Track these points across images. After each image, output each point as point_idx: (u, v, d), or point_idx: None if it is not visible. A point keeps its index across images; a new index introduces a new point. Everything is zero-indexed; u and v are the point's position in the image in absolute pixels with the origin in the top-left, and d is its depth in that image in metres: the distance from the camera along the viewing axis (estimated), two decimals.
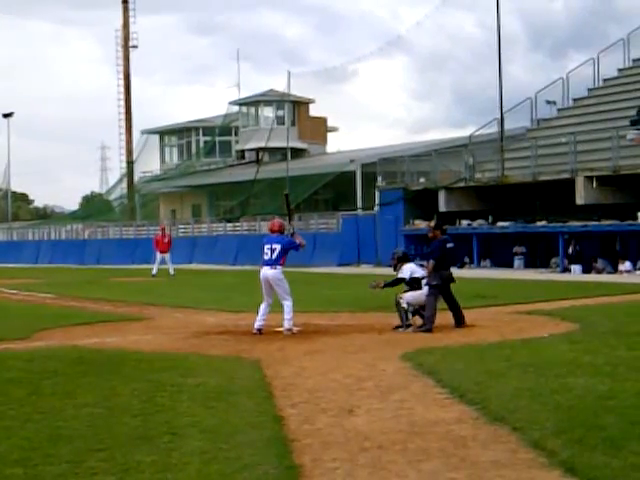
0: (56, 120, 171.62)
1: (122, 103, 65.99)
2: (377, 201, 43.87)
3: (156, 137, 70.63)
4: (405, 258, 16.31)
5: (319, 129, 62.76)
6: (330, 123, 65.46)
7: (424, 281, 15.66)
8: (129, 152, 66.18)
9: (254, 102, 61.95)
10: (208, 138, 66.33)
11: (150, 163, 70.29)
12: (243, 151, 63.71)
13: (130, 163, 66.02)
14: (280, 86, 58.34)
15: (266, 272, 15.17)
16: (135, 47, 65.68)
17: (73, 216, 76.64)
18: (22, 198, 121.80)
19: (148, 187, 68.52)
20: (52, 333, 15.63)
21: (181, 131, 68.43)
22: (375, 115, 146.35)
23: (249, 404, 8.78)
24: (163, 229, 40.74)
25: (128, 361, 11.87)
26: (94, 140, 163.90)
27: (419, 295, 15.61)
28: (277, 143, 56.90)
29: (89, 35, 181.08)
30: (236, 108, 64.07)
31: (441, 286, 15.57)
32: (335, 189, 52.11)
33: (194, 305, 20.95)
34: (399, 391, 9.48)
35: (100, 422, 7.92)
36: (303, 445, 7.12)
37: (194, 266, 47.60)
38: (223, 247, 49.71)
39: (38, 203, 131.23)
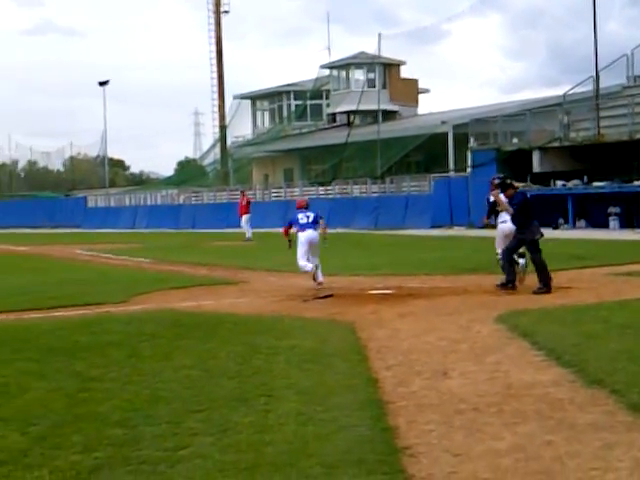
0: (151, 87, 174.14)
1: (214, 69, 66.34)
2: (469, 162, 43.45)
3: (248, 102, 70.98)
4: (503, 185, 16.16)
5: (410, 91, 62.33)
6: (421, 84, 65.05)
7: (501, 220, 16.16)
8: (222, 117, 66.61)
9: (345, 65, 61.76)
10: (299, 102, 66.40)
11: (242, 128, 70.76)
12: (334, 114, 63.65)
13: (223, 128, 66.47)
14: (371, 48, 58.09)
15: (310, 234, 17.18)
16: (227, 12, 65.93)
17: (168, 181, 77.53)
18: (118, 164, 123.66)
19: (240, 152, 68.95)
20: (150, 297, 15.91)
21: (272, 95, 68.60)
22: (467, 75, 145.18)
23: (344, 366, 8.83)
24: (242, 193, 41.35)
25: (224, 324, 12.03)
26: (188, 106, 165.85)
27: (498, 235, 16.27)
28: (368, 106, 56.68)
29: (182, 1, 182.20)
30: (327, 71, 63.98)
31: (536, 240, 15.38)
32: (427, 151, 51.71)
33: (288, 268, 21.06)
34: (494, 353, 9.44)
35: (198, 384, 8.06)
36: (398, 407, 7.15)
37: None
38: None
39: (134, 169, 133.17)
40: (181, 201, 62.16)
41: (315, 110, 65.98)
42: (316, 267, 16.70)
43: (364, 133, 54.63)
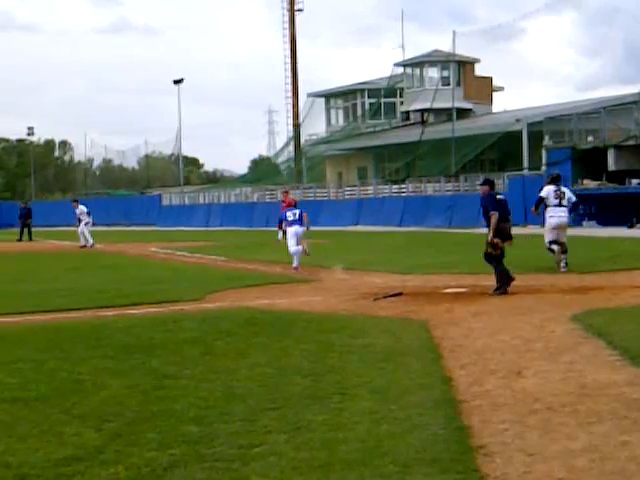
0: (225, 85, 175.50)
1: (288, 67, 66.60)
2: (544, 161, 43.01)
3: (322, 100, 71.08)
4: (553, 179, 17.95)
5: (484, 89, 61.87)
6: (496, 82, 64.49)
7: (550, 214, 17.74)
8: (295, 115, 66.84)
9: (419, 63, 61.53)
10: (373, 100, 66.28)
11: (316, 126, 70.86)
12: (408, 112, 63.49)
13: (297, 126, 66.68)
14: (445, 46, 57.85)
15: (298, 229, 22.20)
16: (301, 10, 66.14)
17: (242, 179, 78.02)
18: (193, 163, 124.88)
19: (314, 150, 69.08)
20: (224, 294, 16.01)
21: (346, 93, 68.62)
22: (542, 73, 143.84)
23: (417, 365, 8.80)
24: (285, 192, 41.43)
25: (298, 322, 12.07)
26: (261, 104, 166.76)
27: (546, 228, 17.78)
28: (442, 104, 56.44)
29: (257, 0, 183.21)
30: (401, 69, 63.79)
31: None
32: (501, 149, 51.33)
33: (361, 267, 21.07)
34: (568, 353, 9.32)
35: (272, 382, 8.09)
36: (472, 406, 7.10)
37: (360, 228, 47.86)
38: (389, 209, 49.78)
39: (208, 167, 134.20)
40: (255, 199, 62.53)
41: (389, 108, 65.83)
42: (305, 252, 22.17)
43: (438, 131, 54.42)
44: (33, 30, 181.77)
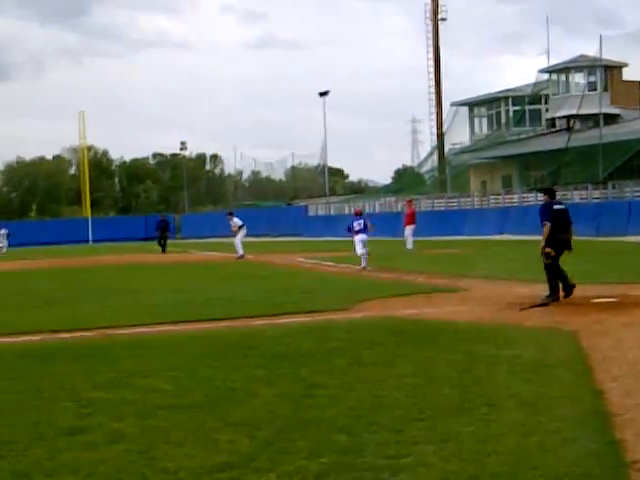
0: (369, 96, 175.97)
1: (432, 76, 66.59)
2: None
3: (465, 108, 70.66)
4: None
5: (633, 93, 60.33)
6: None
7: None
8: (439, 124, 66.69)
9: (564, 69, 60.53)
10: (517, 107, 65.54)
11: (460, 135, 70.49)
12: (553, 119, 62.49)
13: (440, 136, 66.49)
14: (591, 51, 56.76)
15: (363, 236, 26.73)
16: (444, 19, 66.03)
17: (386, 189, 78.24)
18: (338, 173, 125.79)
19: (458, 159, 68.73)
20: (370, 304, 16.10)
21: (490, 101, 68.04)
22: None
23: (566, 376, 8.69)
24: (409, 202, 41.48)
25: (444, 332, 12.06)
26: (405, 114, 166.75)
27: None
28: (588, 110, 55.38)
29: (400, 10, 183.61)
30: (545, 76, 62.88)
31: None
32: None
33: (507, 276, 20.87)
34: None
35: (419, 392, 8.12)
36: (625, 420, 6.97)
37: (505, 237, 47.33)
38: (534, 217, 48.89)
39: (353, 178, 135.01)
40: (399, 209, 62.53)
41: (534, 115, 64.96)
42: (367, 253, 26.29)
43: (584, 138, 53.39)
44: (186, 47, 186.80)
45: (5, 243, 64.31)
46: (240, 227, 37.23)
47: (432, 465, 5.86)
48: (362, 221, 27.28)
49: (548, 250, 15.41)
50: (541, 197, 18.26)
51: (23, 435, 6.94)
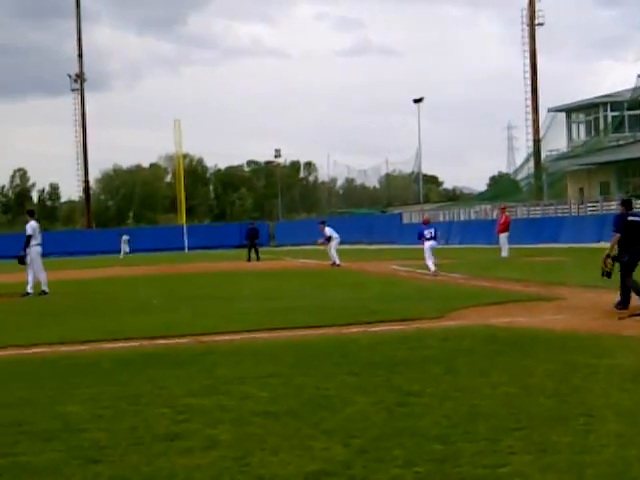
0: (463, 102, 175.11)
1: (528, 82, 65.98)
2: None
3: (563, 114, 69.77)
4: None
5: None
6: None
7: None
8: (536, 131, 66.02)
9: None
10: (616, 113, 64.46)
11: (557, 141, 69.66)
12: None
13: (537, 142, 65.80)
14: None
15: (433, 243, 28.69)
16: (541, 25, 65.36)
17: (481, 197, 77.71)
18: (432, 180, 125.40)
19: (555, 166, 67.90)
20: (465, 312, 15.99)
21: (588, 107, 67.05)
22: None
23: None
24: (502, 210, 41.16)
25: (540, 341, 11.92)
26: (500, 120, 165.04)
27: None
28: None
29: (495, 16, 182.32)
30: None
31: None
32: None
33: (604, 284, 20.50)
34: None
35: (515, 401, 8.02)
36: None
37: (603, 244, 46.47)
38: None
39: (447, 185, 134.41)
40: (494, 216, 62.02)
41: (634, 121, 63.81)
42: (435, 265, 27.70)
43: None
44: (280, 54, 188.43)
45: (126, 249, 66.91)
46: (329, 238, 37.24)
47: (529, 475, 5.78)
48: (433, 230, 29.34)
49: (608, 261, 15.82)
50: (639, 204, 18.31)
51: (121, 440, 7.06)
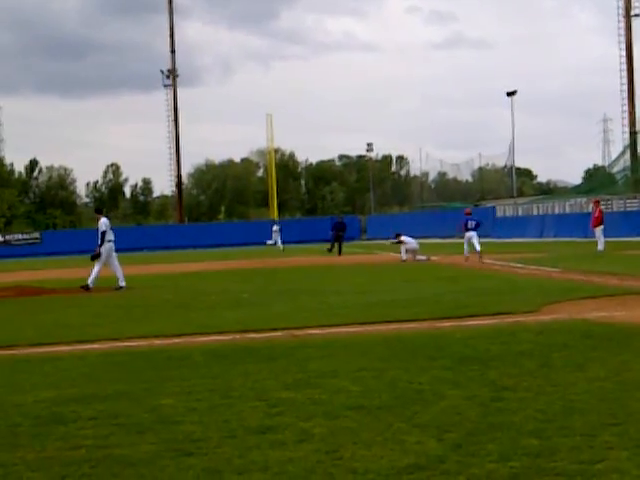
0: (557, 94, 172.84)
1: (624, 74, 64.79)
2: None
3: None
4: None
5: None
6: None
7: None
8: (632, 123, 64.80)
9: None
10: None
11: None
12: None
13: (633, 134, 64.55)
14: None
15: (472, 233, 32.96)
16: (638, 15, 64.13)
17: (576, 190, 76.61)
18: (526, 174, 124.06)
19: None
20: (560, 306, 15.76)
21: None
22: None
23: None
24: (596, 203, 40.42)
25: (637, 336, 11.69)
26: (596, 112, 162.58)
27: None
28: None
29: (590, 7, 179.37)
30: None
31: None
32: None
33: None
34: None
35: (612, 396, 7.88)
36: None
37: None
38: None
39: (541, 178, 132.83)
40: (589, 209, 61.11)
41: None
42: (479, 253, 32.24)
43: None
44: (372, 48, 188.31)
45: (278, 239, 65.21)
46: (399, 241, 37.16)
47: (626, 471, 5.68)
48: (474, 221, 34.24)
49: None
50: None
51: (214, 433, 7.11)
